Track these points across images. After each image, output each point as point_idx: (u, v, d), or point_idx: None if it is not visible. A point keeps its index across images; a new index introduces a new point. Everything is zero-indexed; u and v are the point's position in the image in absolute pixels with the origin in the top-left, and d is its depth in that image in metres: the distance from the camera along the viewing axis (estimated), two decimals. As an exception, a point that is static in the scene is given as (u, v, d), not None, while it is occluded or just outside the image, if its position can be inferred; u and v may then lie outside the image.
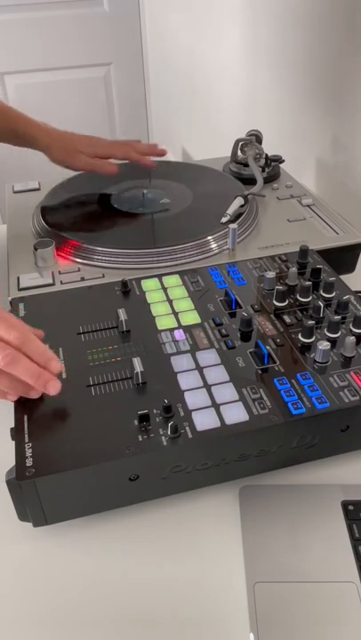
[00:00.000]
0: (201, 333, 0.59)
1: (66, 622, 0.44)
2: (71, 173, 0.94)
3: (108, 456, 0.46)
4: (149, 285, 0.67)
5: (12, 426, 0.50)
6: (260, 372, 0.54)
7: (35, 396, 0.51)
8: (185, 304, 0.63)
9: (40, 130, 0.86)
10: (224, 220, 0.77)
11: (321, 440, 0.52)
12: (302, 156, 1.11)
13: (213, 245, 0.75)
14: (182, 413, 0.50)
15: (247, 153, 0.94)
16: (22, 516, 0.48)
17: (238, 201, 0.80)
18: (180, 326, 0.60)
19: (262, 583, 0.45)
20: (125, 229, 0.80)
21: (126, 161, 0.89)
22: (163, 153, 0.92)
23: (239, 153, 0.96)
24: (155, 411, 0.50)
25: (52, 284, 0.69)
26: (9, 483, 0.45)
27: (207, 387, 0.52)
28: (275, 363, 0.55)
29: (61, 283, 0.70)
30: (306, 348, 0.56)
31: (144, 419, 0.49)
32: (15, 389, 0.51)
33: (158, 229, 0.80)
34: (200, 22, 1.61)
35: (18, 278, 0.70)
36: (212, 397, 0.51)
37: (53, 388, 0.50)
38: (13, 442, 0.48)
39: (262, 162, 0.94)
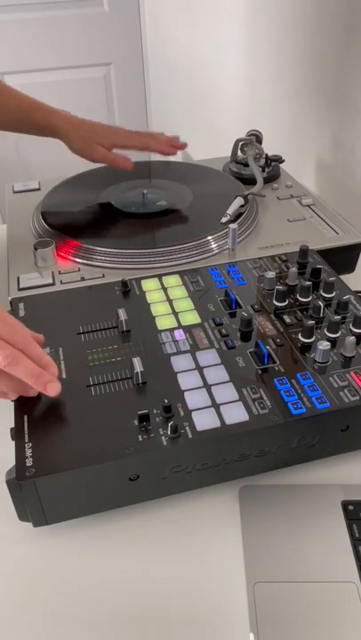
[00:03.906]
0: (201, 333, 0.59)
1: (66, 622, 0.44)
2: (71, 173, 0.94)
3: (108, 456, 0.46)
4: (149, 285, 0.67)
5: (12, 426, 0.50)
6: (260, 372, 0.54)
7: (33, 393, 0.51)
8: (185, 304, 0.63)
9: (60, 118, 0.85)
10: (224, 220, 0.77)
11: (321, 440, 0.52)
12: (302, 156, 1.11)
13: (213, 245, 0.75)
14: (182, 413, 0.50)
15: (247, 153, 0.94)
16: (22, 516, 0.48)
17: (238, 201, 0.80)
18: (180, 326, 0.60)
19: (262, 583, 0.45)
20: (125, 229, 0.80)
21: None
22: (183, 147, 0.91)
23: (239, 153, 0.96)
24: (155, 411, 0.50)
25: (52, 284, 0.69)
26: (9, 483, 0.45)
27: (207, 387, 0.52)
28: (275, 363, 0.55)
29: (61, 283, 0.70)
30: (306, 348, 0.56)
31: (144, 419, 0.49)
32: (14, 390, 0.51)
33: (158, 229, 0.80)
34: (200, 22, 1.61)
35: (18, 278, 0.70)
36: (212, 397, 0.51)
37: (53, 390, 0.50)
38: (13, 442, 0.48)
39: (262, 162, 0.94)
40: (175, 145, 0.90)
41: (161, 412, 0.49)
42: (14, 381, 0.50)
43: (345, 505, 0.50)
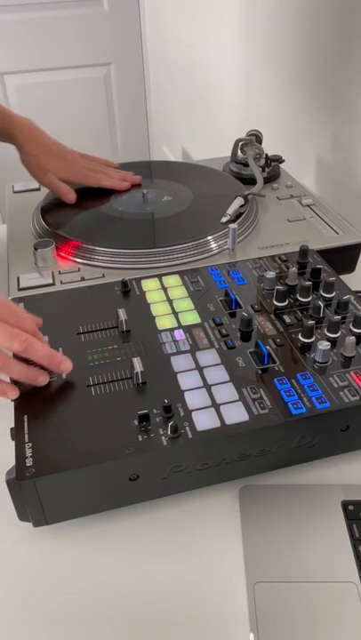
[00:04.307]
0: (201, 333, 0.59)
1: (65, 622, 0.44)
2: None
3: (108, 456, 0.46)
4: (149, 285, 0.67)
5: (12, 426, 0.50)
6: (260, 372, 0.54)
7: (42, 382, 0.53)
8: (185, 304, 0.63)
9: (20, 129, 0.85)
10: (224, 219, 0.77)
11: (321, 440, 0.52)
12: (302, 156, 1.11)
13: (213, 245, 0.75)
14: (182, 413, 0.50)
15: (247, 153, 0.94)
16: (22, 516, 0.48)
17: (238, 201, 0.80)
18: (180, 326, 0.60)
19: (262, 583, 0.45)
20: (125, 229, 0.80)
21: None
22: (137, 180, 0.91)
23: (239, 153, 0.96)
24: (155, 411, 0.50)
25: (52, 284, 0.69)
26: (9, 483, 0.45)
27: (207, 387, 0.52)
28: (275, 363, 0.55)
29: (61, 283, 0.70)
30: (306, 348, 0.56)
31: (144, 419, 0.49)
32: (27, 377, 0.52)
33: (158, 229, 0.80)
34: (200, 22, 1.61)
35: (18, 278, 0.70)
36: (212, 397, 0.51)
37: (66, 367, 0.53)
38: (13, 442, 0.48)
39: (262, 162, 0.94)
40: (128, 179, 0.90)
41: (161, 412, 0.50)
42: (25, 369, 0.52)
43: (345, 505, 0.50)
